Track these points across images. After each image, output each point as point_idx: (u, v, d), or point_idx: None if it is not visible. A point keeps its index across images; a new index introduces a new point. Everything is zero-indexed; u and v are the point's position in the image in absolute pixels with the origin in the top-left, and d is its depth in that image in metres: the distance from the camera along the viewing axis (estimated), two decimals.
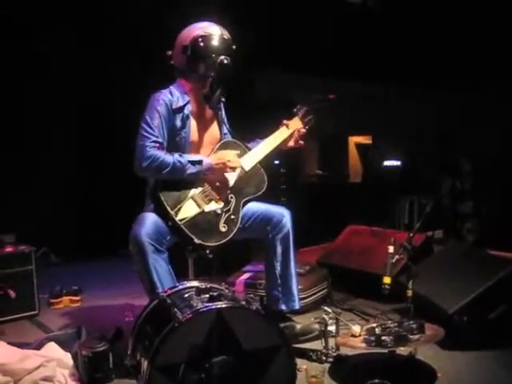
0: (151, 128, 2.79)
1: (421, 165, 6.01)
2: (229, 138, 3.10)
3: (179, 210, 2.74)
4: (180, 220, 2.72)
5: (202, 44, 2.82)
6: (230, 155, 2.91)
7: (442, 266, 3.38)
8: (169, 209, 2.72)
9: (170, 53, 2.95)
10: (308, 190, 6.27)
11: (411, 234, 2.92)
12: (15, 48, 4.84)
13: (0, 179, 4.82)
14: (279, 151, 3.12)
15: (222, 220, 2.84)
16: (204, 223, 2.78)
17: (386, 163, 6.50)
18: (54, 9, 4.78)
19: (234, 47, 2.90)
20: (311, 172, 7.08)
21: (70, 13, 4.84)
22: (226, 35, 2.89)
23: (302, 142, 3.13)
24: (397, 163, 6.44)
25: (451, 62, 5.54)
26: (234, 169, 2.89)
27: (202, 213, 2.80)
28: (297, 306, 3.02)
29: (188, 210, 2.77)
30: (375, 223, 4.36)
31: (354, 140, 7.09)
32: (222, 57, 2.82)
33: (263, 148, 3.03)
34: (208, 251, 2.77)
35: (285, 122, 3.11)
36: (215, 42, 2.83)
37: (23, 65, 4.95)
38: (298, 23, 5.47)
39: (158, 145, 2.78)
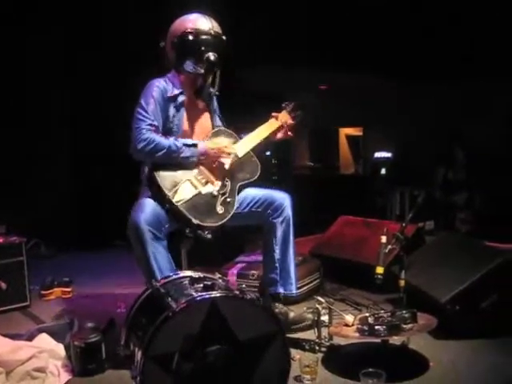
0: (147, 112, 2.82)
1: (412, 156, 6.02)
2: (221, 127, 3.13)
3: (176, 191, 2.76)
4: (177, 201, 2.74)
5: (189, 39, 2.85)
6: (225, 142, 2.97)
7: (435, 256, 3.40)
8: (166, 191, 2.74)
9: (163, 44, 2.98)
10: (299, 181, 6.26)
11: (404, 224, 2.93)
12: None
13: None
14: (270, 141, 3.17)
15: (219, 202, 2.86)
16: (201, 204, 2.80)
17: (377, 155, 6.51)
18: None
19: (223, 38, 2.92)
20: (302, 163, 7.08)
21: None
22: (216, 29, 2.90)
23: (291, 134, 3.19)
24: (388, 155, 6.44)
25: (446, 53, 5.53)
26: (228, 154, 2.92)
27: (199, 194, 2.82)
28: (294, 290, 3.05)
29: (185, 191, 2.79)
30: (367, 214, 4.36)
31: (344, 132, 7.09)
32: (210, 53, 2.84)
33: (254, 137, 3.09)
34: (206, 232, 2.77)
35: (274, 114, 3.18)
36: (203, 37, 2.86)
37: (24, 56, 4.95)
38: (288, 14, 5.46)
39: (153, 128, 2.81)
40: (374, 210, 5.39)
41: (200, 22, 2.89)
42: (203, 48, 2.85)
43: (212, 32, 2.88)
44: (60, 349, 2.71)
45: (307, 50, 5.67)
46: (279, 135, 3.18)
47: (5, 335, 2.75)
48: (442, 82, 5.70)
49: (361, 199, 5.62)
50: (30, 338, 2.80)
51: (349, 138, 7.09)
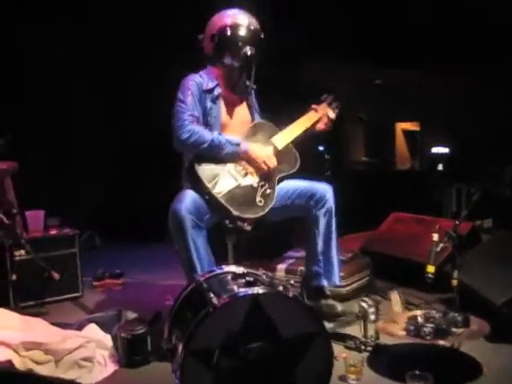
0: (186, 104, 2.87)
1: (471, 152, 5.81)
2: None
3: (216, 183, 2.79)
4: (217, 193, 2.76)
5: (228, 34, 2.90)
6: (268, 152, 2.97)
7: (491, 255, 3.25)
8: (205, 182, 2.77)
9: (201, 36, 3.03)
10: (354, 176, 6.17)
11: (457, 222, 2.81)
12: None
13: (47, 163, 4.92)
14: (309, 133, 3.18)
15: (259, 194, 2.88)
16: (241, 196, 2.82)
17: (434, 150, 6.33)
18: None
19: (261, 36, 2.96)
20: (357, 159, 6.98)
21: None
22: (254, 25, 2.96)
23: (330, 125, 3.22)
24: (445, 150, 6.26)
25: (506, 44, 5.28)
26: (268, 169, 2.93)
27: (239, 186, 2.85)
28: (337, 281, 3.04)
29: (225, 183, 2.82)
30: (422, 210, 4.24)
31: (401, 126, 6.94)
32: (247, 47, 2.90)
33: (294, 129, 3.12)
34: (246, 224, 2.78)
35: (314, 106, 3.22)
36: (241, 33, 2.91)
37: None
38: (341, 9, 5.38)
39: (195, 119, 2.86)
40: (430, 206, 5.23)
41: (239, 18, 2.94)
42: (240, 43, 2.90)
43: (251, 28, 2.93)
44: (108, 340, 2.76)
45: (362, 44, 5.55)
46: (318, 127, 3.20)
47: (56, 324, 2.83)
48: (503, 76, 5.46)
49: (417, 195, 5.47)
50: (80, 327, 2.86)
51: (405, 132, 6.94)
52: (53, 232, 3.68)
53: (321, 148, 5.65)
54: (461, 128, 5.91)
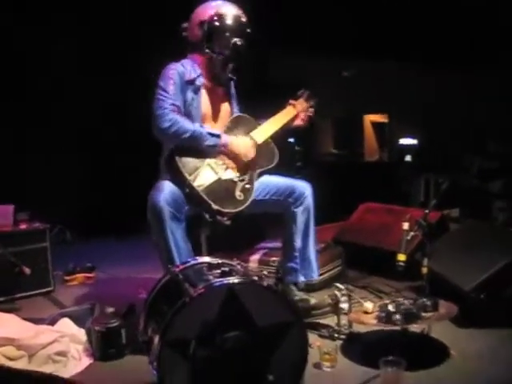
0: (167, 92, 2.81)
1: (439, 143, 5.91)
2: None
3: (196, 176, 2.76)
4: (198, 186, 2.74)
5: (219, 22, 2.87)
6: (247, 144, 2.95)
7: (459, 243, 3.33)
8: (186, 175, 2.73)
9: (185, 25, 2.98)
10: (323, 168, 6.22)
11: (427, 211, 2.87)
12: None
13: (16, 157, 4.85)
14: (286, 129, 3.18)
15: (238, 188, 2.87)
16: (221, 190, 2.81)
17: (402, 141, 6.42)
18: None
19: (248, 30, 2.93)
20: (327, 150, 7.03)
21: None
22: (243, 17, 2.94)
23: (307, 121, 3.23)
24: (413, 141, 6.35)
25: (473, 37, 5.37)
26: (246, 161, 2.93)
27: (219, 180, 2.83)
28: (315, 277, 3.06)
29: (205, 176, 2.79)
30: (391, 201, 4.31)
31: (369, 118, 7.01)
32: (237, 38, 2.88)
33: (273, 124, 3.11)
34: (225, 218, 2.78)
35: (291, 101, 3.22)
36: (232, 22, 2.89)
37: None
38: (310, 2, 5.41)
39: (176, 108, 2.81)
40: (399, 196, 5.32)
41: (230, 8, 2.91)
42: (230, 33, 2.87)
43: (242, 19, 2.92)
44: (81, 333, 2.74)
45: (330, 36, 5.59)
46: (296, 122, 3.21)
47: (28, 319, 2.79)
48: (471, 69, 5.56)
49: (385, 186, 5.55)
50: (53, 322, 2.83)
51: (374, 124, 7.01)
52: (23, 226, 3.63)
53: (291, 140, 5.68)
54: (429, 120, 6.01)
